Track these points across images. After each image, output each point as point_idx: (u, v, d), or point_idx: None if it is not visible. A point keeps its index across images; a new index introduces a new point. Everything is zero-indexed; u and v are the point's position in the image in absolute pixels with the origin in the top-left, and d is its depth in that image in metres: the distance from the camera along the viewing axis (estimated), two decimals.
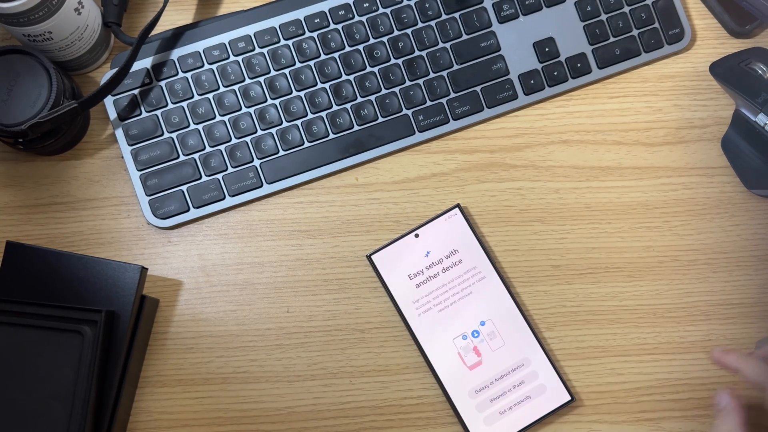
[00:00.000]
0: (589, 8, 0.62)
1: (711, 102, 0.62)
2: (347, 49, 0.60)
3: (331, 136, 0.60)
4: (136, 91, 0.59)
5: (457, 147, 0.61)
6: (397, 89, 0.60)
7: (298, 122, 0.60)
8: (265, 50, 0.60)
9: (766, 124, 0.56)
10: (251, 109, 0.60)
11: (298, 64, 0.60)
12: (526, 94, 0.61)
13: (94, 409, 0.52)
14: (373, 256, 0.58)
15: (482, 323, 0.58)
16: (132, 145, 0.59)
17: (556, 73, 0.61)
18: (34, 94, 0.53)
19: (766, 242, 0.60)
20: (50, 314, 0.52)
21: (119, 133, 0.59)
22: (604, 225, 0.60)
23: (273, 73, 0.60)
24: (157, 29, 0.61)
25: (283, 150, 0.59)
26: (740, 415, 0.50)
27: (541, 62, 0.61)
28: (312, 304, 0.59)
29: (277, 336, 0.58)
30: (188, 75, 0.59)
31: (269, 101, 0.60)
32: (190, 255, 0.59)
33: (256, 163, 0.59)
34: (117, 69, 0.57)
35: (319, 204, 0.60)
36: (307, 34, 0.60)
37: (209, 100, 0.59)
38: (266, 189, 0.59)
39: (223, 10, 0.62)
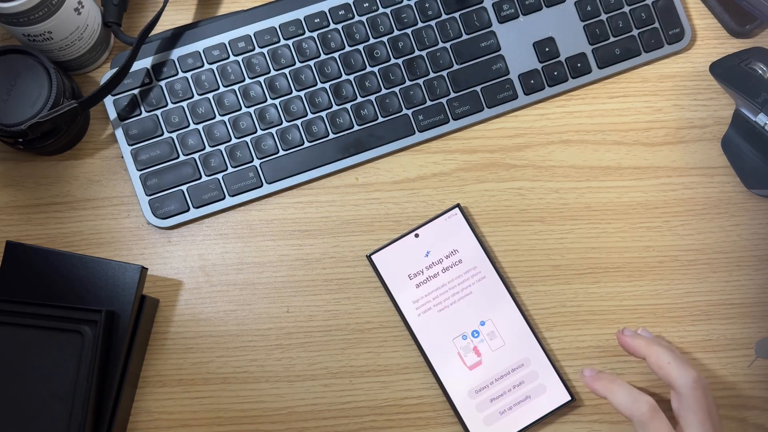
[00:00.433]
0: (589, 8, 0.62)
1: (711, 102, 0.62)
2: (347, 48, 0.60)
3: (331, 136, 0.60)
4: (136, 91, 0.59)
5: (457, 147, 0.61)
6: (397, 89, 0.60)
7: (298, 122, 0.60)
8: (265, 50, 0.60)
9: (766, 124, 0.56)
10: (251, 109, 0.60)
11: (298, 64, 0.60)
12: (526, 94, 0.61)
13: (94, 409, 0.52)
14: (373, 256, 0.58)
15: (482, 323, 0.58)
16: (132, 145, 0.59)
17: (556, 73, 0.61)
18: (34, 94, 0.53)
19: (766, 242, 0.60)
20: (50, 314, 0.52)
21: (119, 133, 0.59)
22: (604, 225, 0.60)
23: (273, 73, 0.60)
24: (157, 29, 0.61)
25: (283, 150, 0.59)
26: (663, 420, 0.50)
27: (541, 62, 0.61)
28: (312, 304, 0.59)
29: (277, 336, 0.58)
30: (188, 75, 0.59)
31: (269, 101, 0.60)
32: (190, 255, 0.59)
33: (256, 163, 0.59)
34: (117, 69, 0.57)
35: (319, 204, 0.60)
36: (307, 33, 0.60)
37: (209, 100, 0.59)
38: (266, 189, 0.59)
39: (223, 10, 0.62)
